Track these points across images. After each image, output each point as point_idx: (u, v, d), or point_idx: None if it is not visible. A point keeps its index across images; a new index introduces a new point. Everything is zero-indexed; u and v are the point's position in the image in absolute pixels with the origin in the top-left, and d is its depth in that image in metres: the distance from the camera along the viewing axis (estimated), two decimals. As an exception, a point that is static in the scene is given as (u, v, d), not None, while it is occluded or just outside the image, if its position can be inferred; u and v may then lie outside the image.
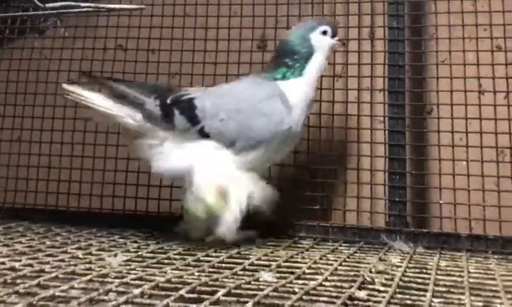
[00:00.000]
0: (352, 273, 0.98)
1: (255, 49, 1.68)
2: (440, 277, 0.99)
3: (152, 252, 1.16)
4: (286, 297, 0.80)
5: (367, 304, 0.79)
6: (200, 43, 1.70)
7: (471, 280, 0.98)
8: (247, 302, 0.77)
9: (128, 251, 1.15)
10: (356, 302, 0.80)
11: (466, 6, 1.52)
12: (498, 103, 1.44)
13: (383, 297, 0.82)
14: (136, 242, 1.29)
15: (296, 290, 0.84)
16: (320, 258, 1.13)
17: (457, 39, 1.50)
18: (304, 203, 1.52)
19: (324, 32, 1.35)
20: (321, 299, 0.80)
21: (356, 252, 1.25)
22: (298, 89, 1.29)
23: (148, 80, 1.68)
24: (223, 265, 1.04)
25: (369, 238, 1.41)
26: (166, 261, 1.06)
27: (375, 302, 0.79)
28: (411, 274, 1.00)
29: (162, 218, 1.54)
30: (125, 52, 1.74)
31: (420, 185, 1.51)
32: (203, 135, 1.25)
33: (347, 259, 1.13)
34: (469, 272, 1.04)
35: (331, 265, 1.05)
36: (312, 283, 0.89)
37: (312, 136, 1.55)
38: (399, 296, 0.84)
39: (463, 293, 0.87)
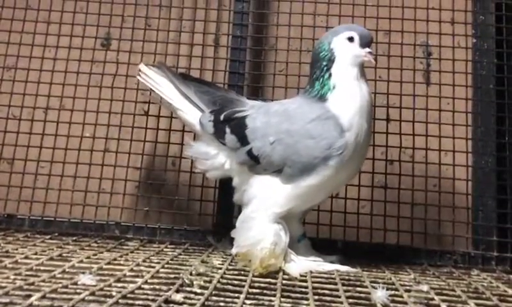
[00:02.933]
0: (173, 275, 1.00)
1: (99, 47, 1.66)
2: (256, 279, 1.04)
3: (-33, 255, 1.09)
4: (102, 301, 0.80)
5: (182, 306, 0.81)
6: (40, 38, 1.64)
7: (284, 282, 1.04)
8: (61, 306, 0.75)
9: None
10: (171, 305, 0.82)
11: (306, 20, 1.61)
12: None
13: (199, 299, 0.85)
14: None
15: (114, 293, 0.85)
16: (144, 261, 1.14)
17: (295, 51, 1.59)
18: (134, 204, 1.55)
19: (350, 39, 1.21)
20: (137, 302, 0.81)
21: (180, 254, 1.27)
22: (346, 107, 1.16)
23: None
24: (42, 268, 1.01)
25: (196, 239, 1.45)
26: (-20, 264, 1.01)
27: (190, 304, 0.82)
28: (229, 276, 1.05)
29: None
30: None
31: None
32: (252, 157, 1.19)
33: (170, 262, 1.15)
34: (284, 273, 1.11)
35: (154, 267, 1.06)
36: (131, 286, 0.89)
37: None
38: (214, 298, 0.88)
39: (274, 295, 0.93)
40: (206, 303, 0.84)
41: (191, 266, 1.09)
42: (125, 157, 1.55)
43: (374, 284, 1.02)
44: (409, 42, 1.58)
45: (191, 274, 1.01)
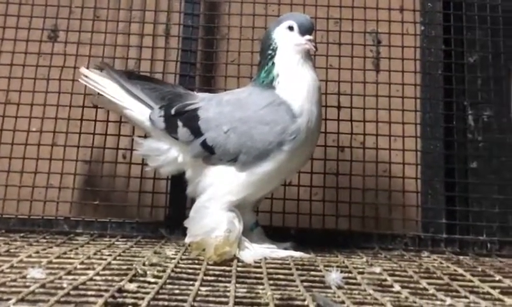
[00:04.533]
0: (125, 267, 0.98)
1: (45, 39, 1.61)
2: (210, 267, 1.04)
3: None
4: (53, 293, 0.78)
5: (136, 295, 0.80)
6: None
7: (239, 269, 1.04)
8: (10, 299, 0.73)
9: None
10: (125, 294, 0.80)
11: (258, 9, 1.61)
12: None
13: (153, 288, 0.84)
14: None
15: (65, 285, 0.83)
16: (95, 254, 1.11)
17: (247, 41, 1.58)
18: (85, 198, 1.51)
19: (290, 28, 1.22)
20: (89, 293, 0.79)
21: (132, 246, 1.25)
22: (294, 94, 1.18)
23: None
24: (-11, 263, 0.98)
25: (148, 232, 1.43)
26: None
27: (144, 293, 0.81)
28: (183, 265, 1.04)
29: None
30: None
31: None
32: (206, 148, 1.18)
33: (122, 254, 1.13)
34: (238, 261, 1.11)
35: (105, 259, 1.04)
36: (82, 278, 0.87)
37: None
38: (169, 287, 0.87)
39: (229, 281, 0.92)
40: (160, 291, 0.83)
41: (143, 257, 1.08)
42: (73, 151, 1.52)
43: (327, 268, 1.03)
44: (360, 30, 1.60)
45: (143, 265, 1.00)
